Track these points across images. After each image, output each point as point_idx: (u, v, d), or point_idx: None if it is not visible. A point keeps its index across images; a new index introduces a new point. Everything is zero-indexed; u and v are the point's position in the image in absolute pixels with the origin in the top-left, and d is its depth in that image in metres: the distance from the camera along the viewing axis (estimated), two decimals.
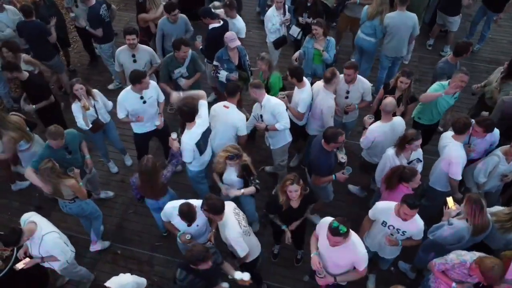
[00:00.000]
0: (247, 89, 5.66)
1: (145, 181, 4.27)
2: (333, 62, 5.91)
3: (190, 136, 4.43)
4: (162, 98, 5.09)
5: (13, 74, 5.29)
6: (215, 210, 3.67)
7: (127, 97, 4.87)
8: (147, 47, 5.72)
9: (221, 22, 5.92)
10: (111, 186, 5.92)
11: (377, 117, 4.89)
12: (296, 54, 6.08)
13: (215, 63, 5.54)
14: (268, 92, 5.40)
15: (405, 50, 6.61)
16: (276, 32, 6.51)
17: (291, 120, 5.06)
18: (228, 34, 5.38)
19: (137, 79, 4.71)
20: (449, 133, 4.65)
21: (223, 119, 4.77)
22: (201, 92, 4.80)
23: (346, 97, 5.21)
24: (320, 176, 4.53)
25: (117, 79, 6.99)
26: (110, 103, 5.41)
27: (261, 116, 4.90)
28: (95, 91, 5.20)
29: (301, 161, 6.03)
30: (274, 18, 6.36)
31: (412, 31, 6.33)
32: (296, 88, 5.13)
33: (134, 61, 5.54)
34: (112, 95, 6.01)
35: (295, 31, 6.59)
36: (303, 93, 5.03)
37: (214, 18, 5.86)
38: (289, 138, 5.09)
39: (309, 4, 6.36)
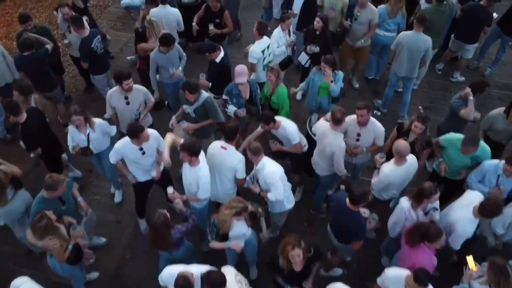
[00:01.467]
0: (255, 123, 5.41)
1: (156, 235, 3.98)
2: (340, 96, 5.62)
3: (206, 167, 4.30)
4: (162, 145, 4.76)
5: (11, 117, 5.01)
6: (215, 286, 3.37)
7: (125, 148, 4.53)
8: (139, 86, 5.31)
9: (221, 50, 5.65)
10: (106, 227, 5.59)
11: (389, 154, 4.65)
12: (298, 89, 5.82)
13: (224, 97, 5.25)
14: (274, 109, 5.31)
15: (415, 72, 6.35)
16: (282, 54, 6.23)
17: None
18: (237, 69, 5.06)
19: (134, 133, 4.34)
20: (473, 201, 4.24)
21: (221, 161, 4.49)
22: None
23: (357, 139, 4.91)
24: (361, 240, 4.18)
25: None
26: (113, 129, 5.15)
27: (258, 179, 4.59)
28: (95, 120, 4.92)
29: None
30: (280, 40, 6.09)
31: (424, 55, 6.09)
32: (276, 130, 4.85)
33: (127, 103, 5.17)
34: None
35: (303, 58, 6.29)
36: (287, 128, 4.81)
37: (217, 50, 5.55)
38: (288, 206, 4.73)
39: (318, 33, 6.06)
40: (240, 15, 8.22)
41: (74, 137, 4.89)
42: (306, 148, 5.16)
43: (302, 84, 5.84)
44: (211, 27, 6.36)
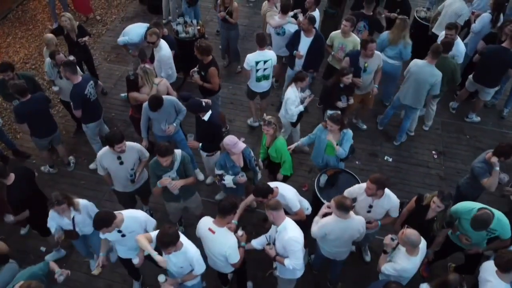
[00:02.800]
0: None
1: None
2: (349, 155, 5.16)
3: (191, 244, 3.87)
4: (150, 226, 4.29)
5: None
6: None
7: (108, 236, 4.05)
8: (133, 144, 4.80)
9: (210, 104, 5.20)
10: None
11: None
12: (293, 146, 5.29)
13: (218, 171, 4.76)
14: (274, 162, 4.92)
15: (420, 104, 6.01)
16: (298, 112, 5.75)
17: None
18: (227, 141, 4.53)
19: (104, 224, 3.85)
20: (491, 266, 3.88)
21: (208, 245, 4.05)
22: None
23: (368, 211, 4.44)
24: None
25: None
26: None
27: (275, 240, 4.12)
28: (79, 201, 4.41)
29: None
30: (297, 100, 5.53)
31: (430, 89, 5.75)
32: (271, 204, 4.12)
33: (121, 163, 4.69)
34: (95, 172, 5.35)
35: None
36: (286, 195, 4.34)
37: (203, 111, 5.02)
38: (299, 274, 4.25)
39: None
40: (241, 45, 7.77)
41: (57, 222, 4.39)
42: (309, 211, 4.70)
43: (303, 139, 5.37)
44: (195, 74, 5.90)
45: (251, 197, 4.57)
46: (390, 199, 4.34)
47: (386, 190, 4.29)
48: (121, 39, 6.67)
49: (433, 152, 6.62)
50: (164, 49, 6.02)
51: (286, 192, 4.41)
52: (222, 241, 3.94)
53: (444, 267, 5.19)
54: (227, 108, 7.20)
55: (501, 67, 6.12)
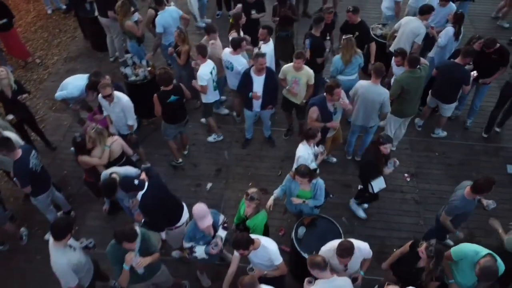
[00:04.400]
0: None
1: None
2: (324, 202, 4.91)
3: None
4: None
5: None
6: None
7: None
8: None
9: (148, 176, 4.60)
10: None
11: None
12: (271, 201, 4.91)
13: (187, 245, 4.33)
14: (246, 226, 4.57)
15: (372, 122, 5.94)
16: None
17: None
18: (195, 211, 4.11)
19: None
20: None
21: None
22: None
23: (345, 270, 4.17)
24: None
25: None
26: None
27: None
28: None
29: None
30: (310, 157, 5.12)
31: (380, 108, 5.70)
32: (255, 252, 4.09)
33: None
34: None
35: None
36: (268, 246, 4.10)
37: (139, 189, 4.47)
38: None
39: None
40: None
41: None
42: None
43: (277, 191, 5.03)
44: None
45: (233, 267, 4.22)
46: (361, 250, 4.13)
47: (356, 243, 4.03)
48: (59, 94, 6.10)
49: (405, 174, 6.48)
50: (123, 97, 5.58)
51: (269, 243, 4.13)
52: None
53: None
54: (188, 151, 6.79)
55: (455, 83, 6.07)
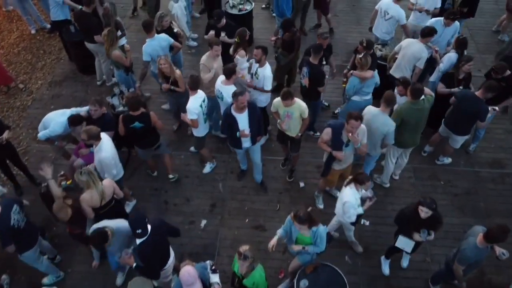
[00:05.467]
0: None
1: None
2: (326, 247, 4.59)
3: None
4: None
5: None
6: None
7: None
8: None
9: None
10: None
11: None
12: (273, 241, 4.60)
13: None
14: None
15: (375, 151, 5.66)
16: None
17: None
18: (182, 277, 3.72)
19: None
20: None
21: None
22: None
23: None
24: None
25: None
26: None
27: None
28: None
29: None
30: (357, 202, 4.81)
31: (383, 138, 5.41)
32: None
33: None
34: None
35: None
36: None
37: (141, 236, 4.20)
38: None
39: None
40: None
41: None
42: None
43: (280, 231, 4.70)
44: None
45: None
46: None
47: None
48: (42, 134, 5.70)
49: None
50: (104, 150, 5.13)
51: None
52: None
53: None
54: (181, 184, 6.43)
55: (471, 116, 5.74)
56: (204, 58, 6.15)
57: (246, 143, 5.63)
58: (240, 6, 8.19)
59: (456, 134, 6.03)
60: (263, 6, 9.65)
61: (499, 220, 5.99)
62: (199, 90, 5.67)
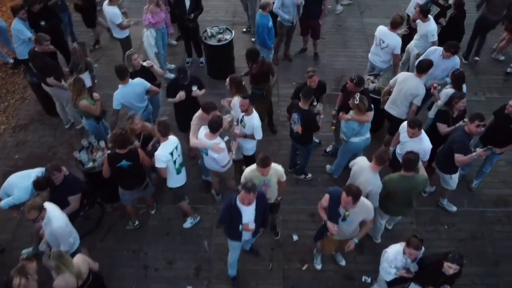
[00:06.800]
0: None
1: None
2: None
3: None
4: None
5: None
6: None
7: None
8: None
9: None
10: None
11: None
12: None
13: None
14: None
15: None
16: None
17: None
18: None
19: None
20: None
21: None
22: None
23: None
24: None
25: None
26: None
27: None
28: None
29: None
30: (396, 261, 4.44)
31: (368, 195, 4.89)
32: None
33: None
34: None
35: None
36: None
37: None
38: None
39: None
40: None
41: None
42: None
43: None
44: None
45: None
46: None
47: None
48: (5, 202, 5.04)
49: None
50: (55, 219, 4.51)
51: None
52: None
53: None
54: (162, 243, 5.82)
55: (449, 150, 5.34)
56: (195, 118, 5.51)
57: (246, 235, 4.84)
58: (219, 36, 7.58)
59: (445, 173, 5.59)
60: (244, 30, 9.03)
61: (509, 267, 5.57)
62: (170, 137, 5.14)
